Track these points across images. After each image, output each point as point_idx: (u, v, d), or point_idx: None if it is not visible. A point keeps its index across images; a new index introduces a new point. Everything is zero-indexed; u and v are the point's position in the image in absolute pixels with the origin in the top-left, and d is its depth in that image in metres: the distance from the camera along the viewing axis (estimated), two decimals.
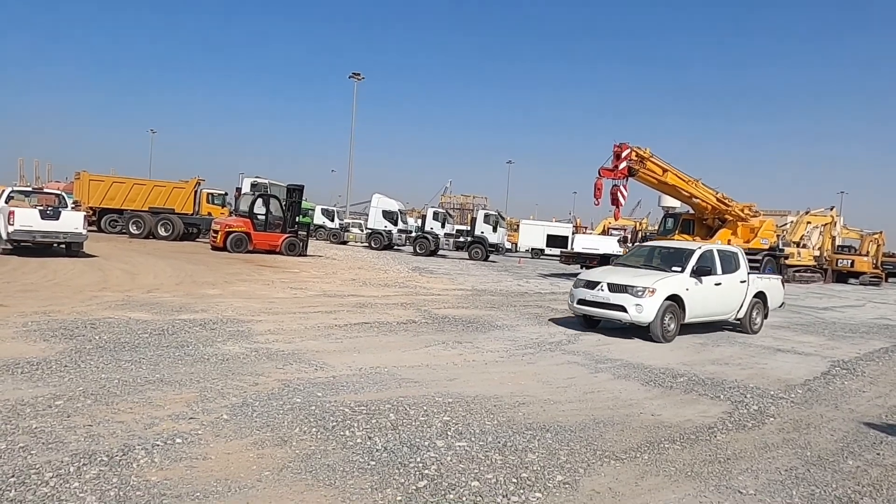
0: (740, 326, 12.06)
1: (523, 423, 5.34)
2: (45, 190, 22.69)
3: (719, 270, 11.30)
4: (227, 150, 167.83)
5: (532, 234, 45.84)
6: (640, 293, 10.05)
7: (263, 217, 24.86)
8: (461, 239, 37.03)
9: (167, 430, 4.48)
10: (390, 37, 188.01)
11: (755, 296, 12.06)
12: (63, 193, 20.88)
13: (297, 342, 7.97)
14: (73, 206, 19.87)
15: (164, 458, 4.00)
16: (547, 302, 15.15)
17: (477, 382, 6.65)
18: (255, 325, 8.97)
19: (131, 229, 28.44)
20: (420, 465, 4.22)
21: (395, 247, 37.27)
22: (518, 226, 49.53)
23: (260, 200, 25.50)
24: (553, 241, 44.05)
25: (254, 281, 14.99)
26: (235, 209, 30.32)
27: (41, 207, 16.90)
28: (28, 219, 16.12)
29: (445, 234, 36.45)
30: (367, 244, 38.02)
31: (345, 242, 41.40)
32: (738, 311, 11.77)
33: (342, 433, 4.72)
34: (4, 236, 16.00)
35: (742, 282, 11.79)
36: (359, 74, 50.35)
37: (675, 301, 10.32)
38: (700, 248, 11.41)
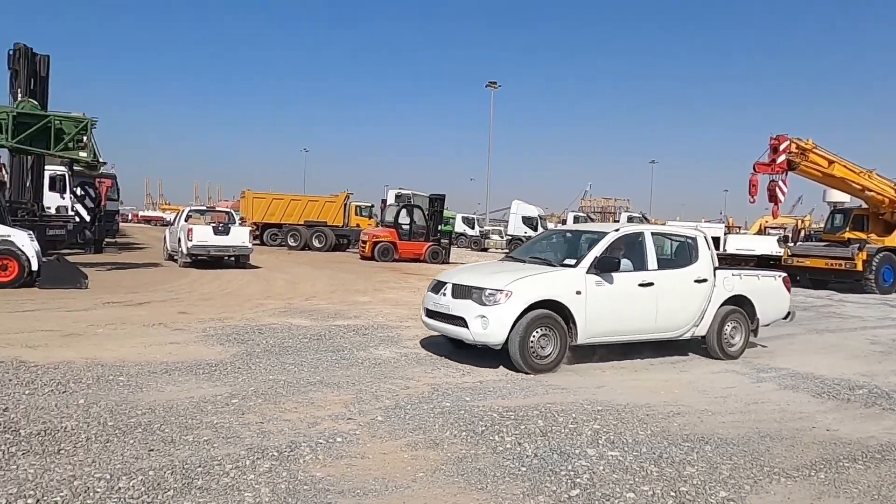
0: (705, 346, 8.40)
1: (679, 434, 5.08)
2: (217, 208, 25.12)
3: (651, 264, 7.75)
4: (373, 163, 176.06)
5: None
6: (487, 299, 6.90)
7: (408, 226, 25.79)
8: None
9: (328, 430, 4.76)
10: (526, 38, 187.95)
11: (729, 302, 8.32)
12: (231, 211, 23.04)
13: (443, 348, 8.16)
14: (239, 221, 21.81)
15: (327, 456, 4.25)
16: None
17: (627, 390, 6.43)
18: (404, 330, 9.29)
19: (289, 242, 30.71)
20: (572, 473, 4.15)
21: None
22: None
23: (404, 211, 26.49)
24: None
25: (401, 288, 15.56)
26: (382, 220, 31.73)
27: (214, 224, 18.72)
28: (203, 235, 17.92)
29: None
30: (507, 250, 38.21)
31: (485, 249, 41.83)
32: (693, 326, 8.08)
33: (491, 438, 4.76)
34: (185, 251, 17.89)
35: (699, 281, 8.08)
36: (495, 83, 50.84)
37: (557, 311, 7.06)
38: (616, 230, 7.88)
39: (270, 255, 24.42)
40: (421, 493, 3.78)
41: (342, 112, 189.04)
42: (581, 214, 39.22)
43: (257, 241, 28.19)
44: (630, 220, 34.81)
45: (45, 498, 3.38)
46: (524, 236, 36.54)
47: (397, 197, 33.38)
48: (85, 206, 22.64)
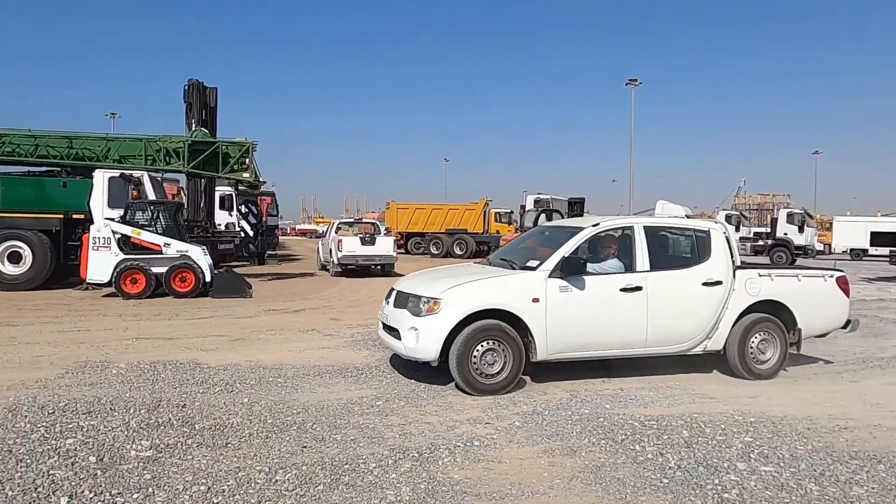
0: (727, 363, 6.99)
1: (846, 450, 4.62)
2: (364, 220, 26.48)
3: (641, 265, 6.59)
4: (510, 169, 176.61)
5: (850, 232, 39.47)
6: (421, 308, 6.17)
7: None
8: (760, 242, 33.59)
9: (466, 433, 4.87)
10: (667, 36, 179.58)
11: (757, 309, 6.92)
12: (377, 222, 24.17)
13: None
14: (385, 232, 22.84)
15: (465, 459, 4.35)
16: (874, 311, 12.90)
17: (785, 401, 5.96)
18: None
19: (432, 250, 31.70)
20: (719, 487, 3.92)
21: None
22: (830, 224, 43.17)
23: (543, 216, 26.31)
24: (880, 238, 37.35)
25: None
26: (521, 226, 31.74)
27: (361, 235, 19.76)
28: (352, 245, 18.99)
29: (741, 237, 33.37)
30: None
31: None
32: (704, 339, 6.84)
33: (632, 447, 4.62)
34: (336, 261, 19.03)
35: (710, 284, 6.75)
36: (636, 80, 49.01)
37: (511, 322, 6.13)
38: (595, 225, 6.73)
39: (414, 263, 25.27)
40: (557, 500, 3.76)
41: (481, 120, 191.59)
42: (733, 213, 36.73)
43: (401, 250, 29.32)
44: (790, 216, 32.10)
45: (215, 486, 3.77)
46: None
47: (536, 202, 33.14)
48: (249, 223, 24.86)
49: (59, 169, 16.56)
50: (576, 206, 25.68)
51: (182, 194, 21.62)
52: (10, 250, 14.45)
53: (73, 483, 3.75)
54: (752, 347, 6.90)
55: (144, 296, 13.01)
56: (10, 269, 14.43)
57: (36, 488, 3.66)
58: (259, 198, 26.63)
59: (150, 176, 15.45)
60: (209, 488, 3.75)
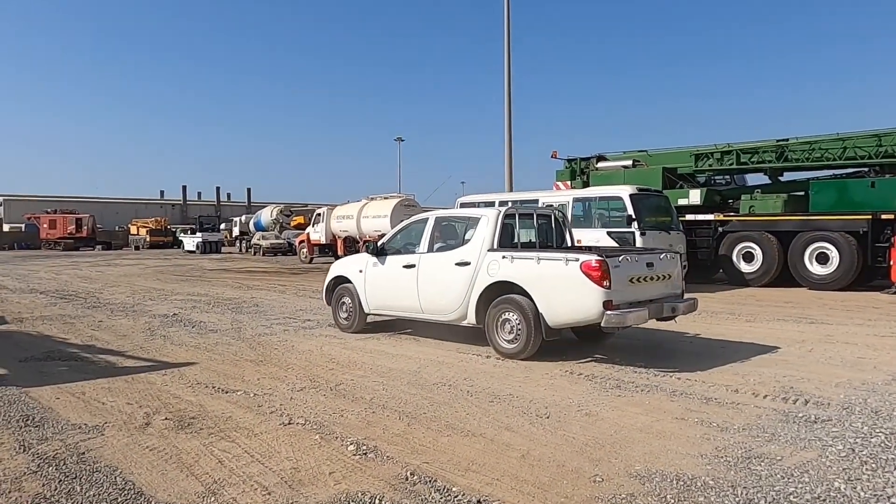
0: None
1: None
2: None
3: (422, 248, 8.25)
4: None
5: None
6: None
7: None
8: None
9: None
10: None
11: (506, 290, 7.20)
12: None
13: None
14: None
15: None
16: None
17: None
18: None
19: None
20: None
21: None
22: None
23: None
24: None
25: None
26: None
27: None
28: None
29: None
30: None
31: None
32: (461, 313, 7.62)
33: None
34: None
35: (461, 264, 7.61)
36: None
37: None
38: (412, 217, 9.73)
39: None
40: None
41: None
42: None
43: None
44: None
45: None
46: None
47: None
48: None
49: (866, 169, 16.29)
50: None
51: None
52: (817, 251, 14.96)
53: None
54: (498, 326, 7.20)
55: None
56: (817, 269, 14.93)
57: None
58: None
59: None
60: None
